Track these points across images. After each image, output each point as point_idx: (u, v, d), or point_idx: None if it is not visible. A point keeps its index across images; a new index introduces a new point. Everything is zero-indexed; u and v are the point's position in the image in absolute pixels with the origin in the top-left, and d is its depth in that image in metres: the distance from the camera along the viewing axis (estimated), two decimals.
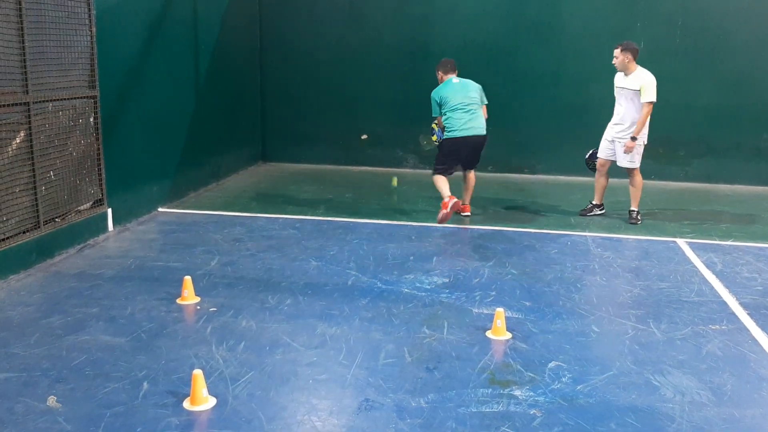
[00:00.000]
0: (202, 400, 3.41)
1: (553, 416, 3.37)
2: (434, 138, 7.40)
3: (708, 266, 5.78)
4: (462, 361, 3.94)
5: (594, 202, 7.54)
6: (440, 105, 7.07)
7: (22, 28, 5.22)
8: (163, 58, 7.47)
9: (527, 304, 4.87)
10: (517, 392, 3.59)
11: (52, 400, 3.43)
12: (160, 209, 7.49)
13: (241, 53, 9.82)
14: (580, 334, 4.37)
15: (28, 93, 5.31)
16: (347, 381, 3.69)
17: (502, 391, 3.60)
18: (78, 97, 5.96)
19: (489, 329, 4.36)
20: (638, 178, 7.21)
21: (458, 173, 7.43)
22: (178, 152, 7.99)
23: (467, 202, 7.42)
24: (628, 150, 6.99)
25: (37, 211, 5.49)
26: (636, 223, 7.19)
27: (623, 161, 7.13)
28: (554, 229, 6.92)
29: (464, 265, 5.72)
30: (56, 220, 5.77)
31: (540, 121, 9.82)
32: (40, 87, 5.48)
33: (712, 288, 5.26)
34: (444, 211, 6.85)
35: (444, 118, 7.08)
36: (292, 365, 3.86)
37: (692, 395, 3.60)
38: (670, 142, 9.50)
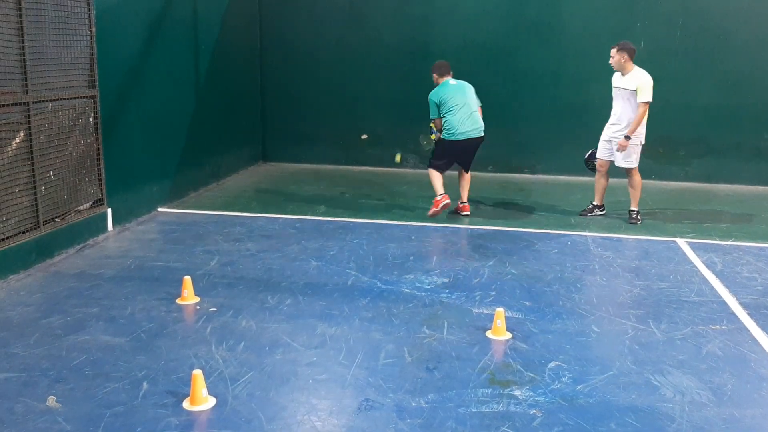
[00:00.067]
0: (201, 400, 3.40)
1: (553, 416, 3.36)
2: (433, 137, 7.44)
3: (708, 266, 5.78)
4: (462, 361, 3.94)
5: (594, 203, 7.54)
6: (439, 106, 7.11)
7: (22, 28, 5.22)
8: (163, 58, 7.46)
9: (527, 304, 4.87)
10: (517, 392, 3.59)
11: (51, 400, 3.43)
12: (160, 209, 7.48)
13: (241, 53, 9.82)
14: (580, 334, 4.37)
15: (27, 93, 5.30)
16: (347, 381, 3.69)
17: (502, 391, 3.59)
18: (78, 97, 5.96)
19: (489, 329, 4.36)
20: (637, 177, 7.21)
21: (452, 172, 7.49)
22: (178, 152, 7.99)
23: (465, 200, 7.43)
24: (621, 148, 7.00)
25: (37, 211, 5.49)
26: (636, 223, 7.19)
27: (620, 161, 7.13)
28: (554, 229, 6.92)
29: (464, 265, 5.72)
30: (56, 220, 5.77)
31: (540, 121, 9.81)
32: (40, 87, 5.48)
33: (712, 288, 5.26)
34: (434, 209, 7.18)
35: (443, 119, 7.10)
36: (292, 365, 3.86)
37: (692, 395, 3.60)
38: (670, 142, 9.50)
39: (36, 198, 5.46)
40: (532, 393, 3.59)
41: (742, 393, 3.64)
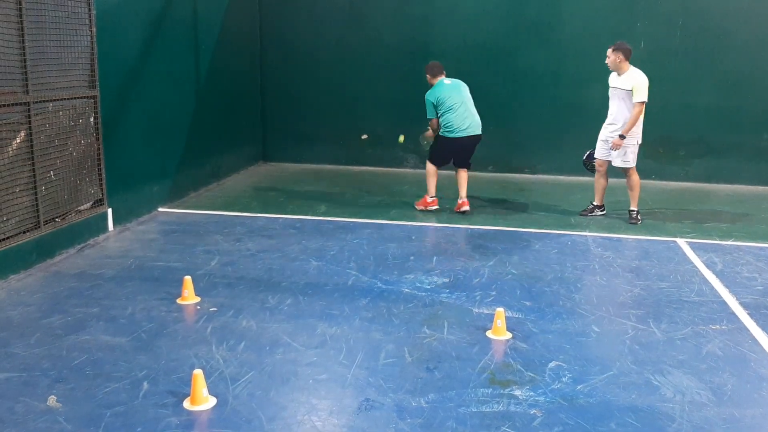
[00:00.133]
0: (202, 400, 3.41)
1: (553, 416, 3.37)
2: (428, 135, 7.51)
3: (708, 266, 5.78)
4: (462, 361, 3.94)
5: (595, 203, 7.54)
6: (436, 106, 7.16)
7: (22, 28, 5.22)
8: (163, 58, 7.47)
9: (527, 303, 4.87)
10: (517, 392, 3.59)
11: (52, 400, 3.44)
12: (160, 209, 7.49)
13: (241, 53, 9.82)
14: (580, 334, 4.37)
15: (28, 93, 5.31)
16: (347, 381, 3.69)
17: (502, 391, 3.60)
18: (78, 97, 5.96)
19: (489, 329, 4.36)
20: (635, 177, 7.20)
21: (450, 172, 7.52)
22: (178, 152, 7.99)
23: (464, 196, 7.46)
24: (615, 147, 7.00)
25: (38, 211, 5.49)
26: (636, 223, 7.19)
27: (617, 161, 7.14)
28: (554, 229, 6.92)
29: (464, 265, 5.72)
30: (56, 220, 5.77)
31: (540, 121, 9.81)
32: (41, 87, 5.48)
33: (712, 288, 5.26)
34: (421, 206, 7.62)
35: (442, 118, 7.15)
36: (292, 365, 3.87)
37: (692, 395, 3.60)
38: (670, 142, 9.50)
39: (36, 198, 5.47)
40: (532, 393, 3.59)
41: (742, 393, 3.65)
